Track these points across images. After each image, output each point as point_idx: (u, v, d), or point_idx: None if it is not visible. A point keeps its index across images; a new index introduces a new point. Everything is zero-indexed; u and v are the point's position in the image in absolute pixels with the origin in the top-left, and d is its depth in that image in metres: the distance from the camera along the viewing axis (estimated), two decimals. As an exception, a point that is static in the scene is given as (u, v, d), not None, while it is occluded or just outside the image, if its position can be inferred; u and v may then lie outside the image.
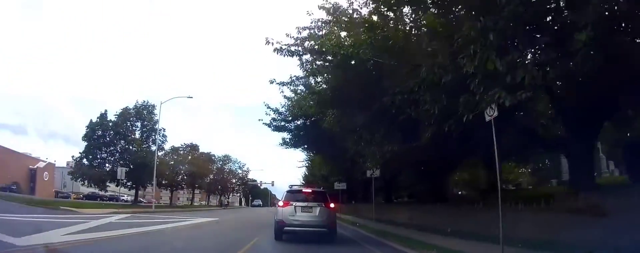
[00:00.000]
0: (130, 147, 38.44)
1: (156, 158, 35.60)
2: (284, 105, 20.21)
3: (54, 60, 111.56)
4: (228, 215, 30.06)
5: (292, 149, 22.37)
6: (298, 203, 10.42)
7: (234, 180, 71.02)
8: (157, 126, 37.75)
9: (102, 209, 24.38)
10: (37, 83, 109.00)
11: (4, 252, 6.55)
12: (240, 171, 72.53)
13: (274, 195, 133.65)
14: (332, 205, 10.90)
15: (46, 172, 49.51)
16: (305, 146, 23.25)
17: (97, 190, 44.83)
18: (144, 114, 39.81)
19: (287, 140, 22.41)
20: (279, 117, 20.71)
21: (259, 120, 21.49)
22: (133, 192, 42.17)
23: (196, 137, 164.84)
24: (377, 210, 21.97)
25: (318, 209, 10.33)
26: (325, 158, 23.51)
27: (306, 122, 19.61)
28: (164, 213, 28.67)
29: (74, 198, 45.62)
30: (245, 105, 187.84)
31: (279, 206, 11.06)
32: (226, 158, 70.08)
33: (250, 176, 78.24)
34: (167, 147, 44.67)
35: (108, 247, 8.92)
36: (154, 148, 38.43)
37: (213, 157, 63.90)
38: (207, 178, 64.01)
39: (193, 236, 12.81)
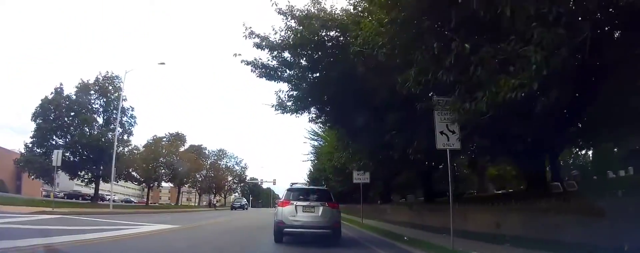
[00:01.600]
0: (89, 130, 30.11)
1: (116, 141, 27.25)
2: (283, 29, 11.11)
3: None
4: (205, 220, 21.61)
5: (295, 115, 12.97)
6: (299, 203, 9.66)
7: (229, 178, 62.70)
8: (120, 101, 29.39)
9: (31, 207, 19.13)
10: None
11: (3, 251, 6.09)
12: (237, 167, 64.45)
13: (277, 195, 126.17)
14: (335, 204, 10.11)
15: None
16: (317, 108, 13.76)
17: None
18: (108, 89, 31.51)
19: (286, 97, 12.76)
20: (270, 56, 11.63)
21: (235, 55, 11.47)
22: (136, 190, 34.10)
23: (188, 132, 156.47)
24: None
25: (321, 209, 9.62)
26: (345, 133, 14.48)
27: (318, 56, 10.74)
28: (114, 216, 20.35)
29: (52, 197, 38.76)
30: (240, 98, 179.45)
31: (278, 205, 10.25)
32: (221, 153, 61.89)
33: (249, 174, 70.24)
34: (139, 132, 36.29)
35: None
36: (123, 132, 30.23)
37: (205, 151, 55.65)
38: (199, 175, 55.80)
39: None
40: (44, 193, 45.41)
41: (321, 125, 23.33)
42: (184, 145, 46.14)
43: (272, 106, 13.06)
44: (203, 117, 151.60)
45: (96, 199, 32.67)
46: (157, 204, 55.37)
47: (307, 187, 11.90)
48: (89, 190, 47.69)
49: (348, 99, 11.81)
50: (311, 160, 43.51)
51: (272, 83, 12.45)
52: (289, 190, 10.41)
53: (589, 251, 5.99)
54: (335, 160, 25.73)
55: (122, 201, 59.41)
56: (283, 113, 13.35)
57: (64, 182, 59.45)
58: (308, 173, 57.63)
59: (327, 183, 40.84)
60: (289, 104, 12.87)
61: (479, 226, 10.93)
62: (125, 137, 31.70)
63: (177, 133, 45.69)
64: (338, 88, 11.33)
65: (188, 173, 46.63)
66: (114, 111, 30.88)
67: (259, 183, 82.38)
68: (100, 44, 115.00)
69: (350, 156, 17.31)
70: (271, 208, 58.57)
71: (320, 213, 9.51)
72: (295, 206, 9.53)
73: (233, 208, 46.17)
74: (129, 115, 31.51)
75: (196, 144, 54.29)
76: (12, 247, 6.58)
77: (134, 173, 37.33)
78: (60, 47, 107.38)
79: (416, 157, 10.97)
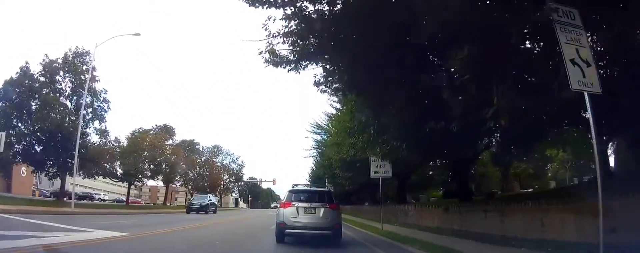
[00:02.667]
0: (55, 115, 25.65)
1: (80, 126, 22.80)
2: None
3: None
4: (177, 224, 17.25)
5: (293, 70, 8.32)
6: (300, 204, 9.66)
7: (225, 177, 58.18)
8: (89, 77, 24.96)
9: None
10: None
11: (3, 251, 6.02)
12: (234, 165, 59.93)
13: (278, 195, 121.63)
14: (335, 205, 10.04)
15: (24, 168, 41.36)
16: (327, 61, 8.78)
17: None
18: (79, 68, 27.04)
19: (281, 35, 7.84)
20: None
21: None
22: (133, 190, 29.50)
23: (182, 128, 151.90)
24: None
25: (322, 210, 9.59)
26: (368, 102, 9.68)
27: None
28: (65, 217, 16.14)
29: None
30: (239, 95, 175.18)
31: (280, 207, 10.19)
32: (216, 150, 57.38)
33: (248, 173, 65.81)
34: (126, 125, 31.74)
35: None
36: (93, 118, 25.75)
37: (198, 146, 51.22)
38: (191, 173, 51.36)
39: None
40: (43, 192, 42.77)
41: (330, 96, 18.75)
42: (172, 139, 41.70)
43: (261, 53, 8.56)
44: (199, 115, 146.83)
45: (63, 196, 28.20)
46: (146, 204, 50.85)
47: (308, 188, 11.72)
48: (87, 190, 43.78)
49: (377, 39, 7.32)
50: (313, 156, 39.18)
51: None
52: (290, 191, 10.47)
53: (589, 251, 5.62)
54: (344, 151, 21.20)
55: (113, 201, 55.79)
56: (276, 65, 8.87)
57: (58, 182, 59.51)
58: (310, 171, 53.41)
59: (332, 181, 36.39)
60: (286, 48, 8.38)
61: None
62: (96, 125, 27.22)
63: (165, 126, 41.20)
64: (360, 24, 6.88)
65: (175, 169, 42.18)
66: (80, 89, 26.51)
67: (258, 183, 78.03)
68: (82, 23, 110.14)
69: (371, 139, 12.79)
70: (268, 209, 54.29)
71: (321, 214, 9.58)
72: (297, 207, 9.61)
73: (190, 209, 30.87)
74: (101, 98, 27.02)
75: (188, 139, 49.85)
76: None
77: (116, 168, 32.86)
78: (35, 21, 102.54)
79: (495, 126, 6.52)
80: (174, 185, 54.60)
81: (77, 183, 55.68)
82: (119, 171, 32.66)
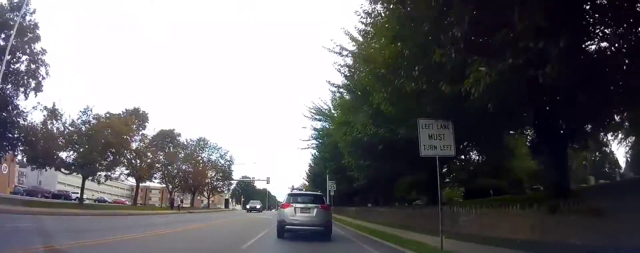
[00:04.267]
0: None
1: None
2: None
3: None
4: (109, 235, 10.93)
5: None
6: (298, 205, 11.51)
7: (211, 174, 51.51)
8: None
9: None
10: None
11: (3, 251, 6.32)
12: (222, 161, 53.28)
13: (274, 197, 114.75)
14: (326, 206, 12.12)
15: (5, 165, 39.52)
16: None
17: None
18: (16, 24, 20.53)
19: None
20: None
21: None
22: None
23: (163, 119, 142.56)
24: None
25: (315, 210, 11.41)
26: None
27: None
28: None
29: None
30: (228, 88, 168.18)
31: (281, 207, 12.47)
32: (201, 143, 50.82)
33: (240, 171, 59.38)
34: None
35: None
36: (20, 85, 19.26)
37: (179, 138, 44.63)
38: (172, 169, 44.91)
39: None
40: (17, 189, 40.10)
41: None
42: (144, 127, 34.93)
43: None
44: (186, 107, 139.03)
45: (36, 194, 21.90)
46: (118, 205, 44.14)
47: (304, 192, 16.44)
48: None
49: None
50: (312, 147, 32.93)
51: None
52: (289, 194, 13.09)
53: (589, 251, 5.73)
54: (359, 129, 14.98)
55: (95, 200, 50.43)
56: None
57: (46, 180, 54.53)
58: (307, 168, 47.47)
59: (336, 176, 30.15)
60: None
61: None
62: (27, 96, 20.56)
63: (136, 110, 34.49)
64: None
65: (144, 161, 35.65)
66: (21, 57, 20.15)
67: (251, 181, 71.58)
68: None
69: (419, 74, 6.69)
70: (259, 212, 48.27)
71: (314, 214, 11.43)
72: (294, 208, 11.44)
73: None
74: (37, 59, 20.43)
75: (168, 129, 43.23)
76: None
77: (66, 156, 26.25)
78: None
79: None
80: (152, 182, 48.12)
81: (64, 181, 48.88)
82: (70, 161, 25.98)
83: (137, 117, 33.65)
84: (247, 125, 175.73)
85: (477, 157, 18.98)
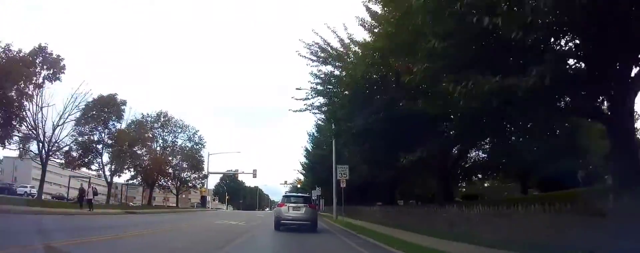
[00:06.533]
0: None
1: None
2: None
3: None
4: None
5: None
6: (291, 204, 14.39)
7: (174, 160, 38.79)
8: None
9: None
10: None
11: (3, 250, 6.02)
12: (189, 144, 40.44)
13: (267, 194, 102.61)
14: (313, 205, 15.66)
15: None
16: None
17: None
18: None
19: None
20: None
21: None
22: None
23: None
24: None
25: (304, 209, 14.31)
26: None
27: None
28: None
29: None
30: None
31: (278, 206, 15.79)
32: (162, 118, 38.21)
33: (220, 162, 46.66)
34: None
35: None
36: None
37: (123, 107, 31.83)
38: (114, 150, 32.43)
39: None
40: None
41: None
42: (56, 78, 22.29)
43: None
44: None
45: None
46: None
47: (296, 194, 20.14)
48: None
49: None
50: (312, 108, 20.43)
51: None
52: (284, 196, 16.25)
53: (590, 251, 5.72)
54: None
55: (54, 197, 41.86)
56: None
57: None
58: (304, 153, 35.68)
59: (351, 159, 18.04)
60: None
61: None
62: None
63: (41, 48, 21.69)
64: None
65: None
66: None
67: (234, 174, 59.09)
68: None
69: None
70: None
71: (304, 211, 14.24)
72: (288, 206, 14.30)
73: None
74: None
75: (109, 94, 30.49)
76: None
77: None
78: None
79: None
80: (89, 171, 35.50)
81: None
82: None
83: (44, 61, 20.99)
84: (231, 111, 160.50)
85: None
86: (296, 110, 17.07)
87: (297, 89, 16.70)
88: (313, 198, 34.69)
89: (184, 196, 57.15)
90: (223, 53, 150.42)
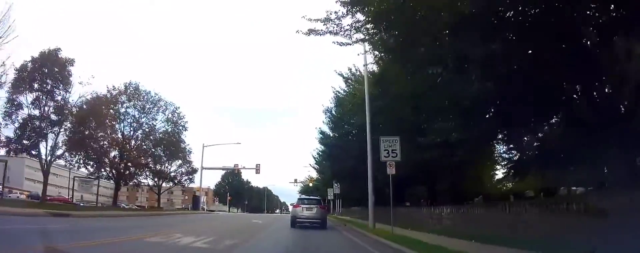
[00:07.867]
0: None
1: None
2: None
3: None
4: None
5: None
6: (304, 206, 16.98)
7: (145, 146, 30.02)
8: None
9: None
10: None
11: (3, 251, 6.00)
12: (168, 126, 31.48)
13: (276, 196, 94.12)
14: (324, 207, 18.78)
15: None
16: None
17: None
18: None
19: None
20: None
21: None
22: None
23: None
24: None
25: (315, 209, 16.87)
26: None
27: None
28: None
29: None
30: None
31: (293, 207, 18.29)
32: (131, 91, 29.47)
33: (219, 157, 37.80)
34: None
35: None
36: None
37: (69, 67, 23.10)
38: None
39: None
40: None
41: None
42: None
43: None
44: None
45: None
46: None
47: (309, 197, 21.36)
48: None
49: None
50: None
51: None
52: (299, 199, 19.10)
53: (590, 251, 5.79)
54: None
55: (29, 196, 38.28)
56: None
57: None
58: (318, 149, 26.88)
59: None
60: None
61: None
62: None
63: None
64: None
65: None
66: None
67: (234, 169, 50.11)
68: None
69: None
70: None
71: (315, 211, 16.76)
72: (302, 207, 16.83)
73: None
74: None
75: (65, 57, 21.77)
76: None
77: None
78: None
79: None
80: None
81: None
82: None
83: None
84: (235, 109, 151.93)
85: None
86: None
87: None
88: (329, 198, 37.48)
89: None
90: (223, 53, 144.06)
